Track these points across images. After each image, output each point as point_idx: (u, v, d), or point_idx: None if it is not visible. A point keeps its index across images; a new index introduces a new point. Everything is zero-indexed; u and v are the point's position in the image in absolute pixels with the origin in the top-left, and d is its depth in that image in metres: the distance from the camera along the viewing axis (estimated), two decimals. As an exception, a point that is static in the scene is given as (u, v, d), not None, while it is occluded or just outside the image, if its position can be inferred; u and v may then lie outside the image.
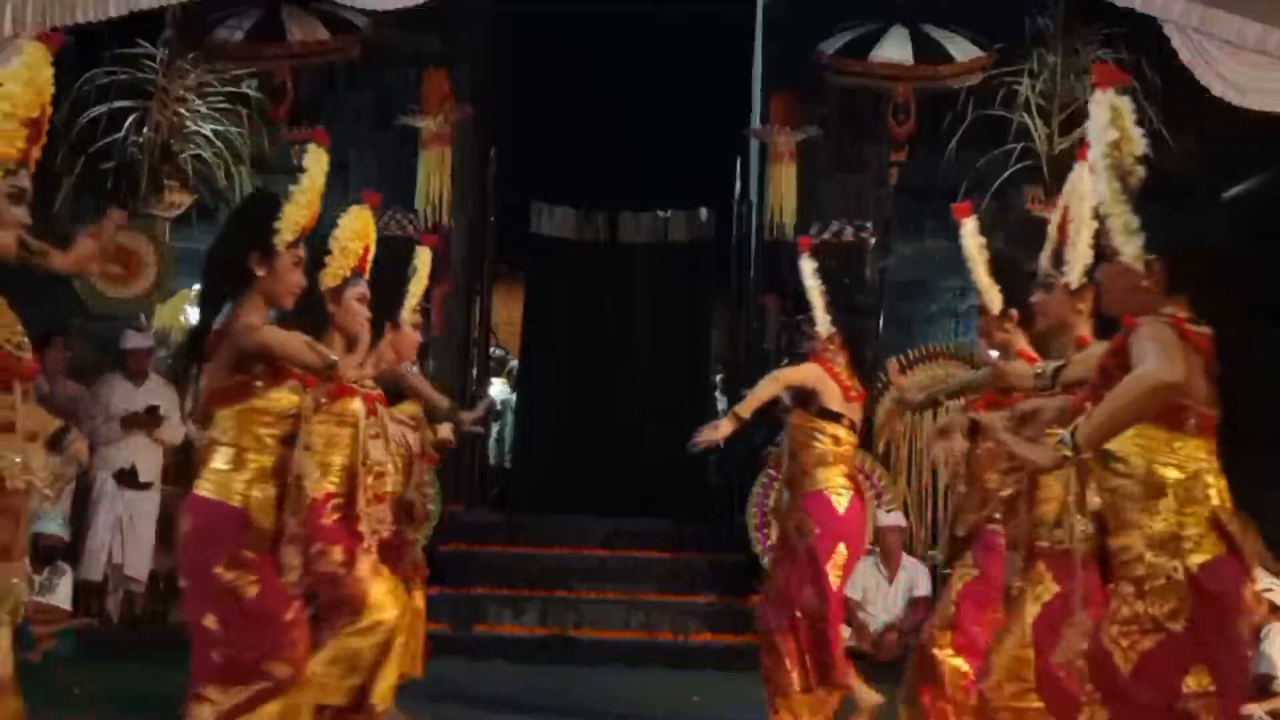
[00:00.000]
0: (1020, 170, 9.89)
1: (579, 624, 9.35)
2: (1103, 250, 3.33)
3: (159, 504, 8.94)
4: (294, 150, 10.59)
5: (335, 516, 4.85)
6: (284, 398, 3.97)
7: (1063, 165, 9.87)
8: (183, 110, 9.98)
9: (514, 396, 14.58)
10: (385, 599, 4.98)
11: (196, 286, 9.95)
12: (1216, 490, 3.17)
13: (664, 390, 12.34)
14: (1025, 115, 9.87)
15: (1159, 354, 3.03)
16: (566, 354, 12.57)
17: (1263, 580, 7.68)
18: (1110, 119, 3.26)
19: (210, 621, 3.87)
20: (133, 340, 9.24)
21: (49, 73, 3.20)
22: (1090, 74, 9.87)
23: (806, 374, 6.27)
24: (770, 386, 6.29)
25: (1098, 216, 3.31)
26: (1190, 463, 3.15)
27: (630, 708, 7.13)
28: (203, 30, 10.19)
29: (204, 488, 3.96)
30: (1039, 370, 4.21)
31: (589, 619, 9.41)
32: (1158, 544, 3.10)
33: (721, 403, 12.60)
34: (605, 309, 12.65)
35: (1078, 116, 9.89)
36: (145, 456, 8.94)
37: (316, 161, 4.20)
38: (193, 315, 8.59)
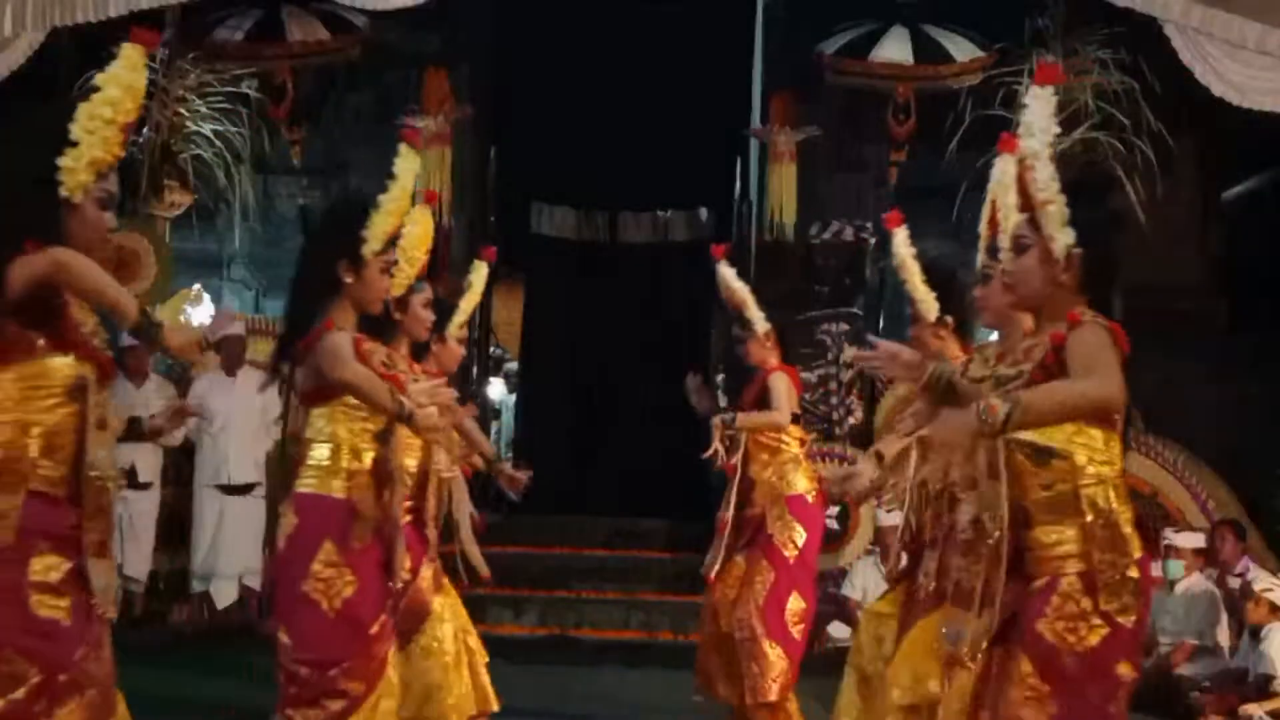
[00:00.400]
0: (1020, 170, 9.88)
1: (579, 624, 9.35)
2: (1018, 243, 3.34)
3: (158, 504, 8.94)
4: (293, 150, 10.62)
5: (406, 520, 4.76)
6: None
7: (1063, 165, 9.87)
8: (183, 110, 9.99)
9: (513, 396, 14.58)
10: (444, 611, 4.95)
11: (196, 286, 9.99)
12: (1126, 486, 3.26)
13: (663, 390, 12.33)
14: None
15: (1108, 368, 3.09)
16: (566, 354, 12.58)
17: (1263, 580, 7.70)
18: (1052, 113, 3.34)
19: (291, 633, 3.88)
20: (130, 339, 9.23)
21: (144, 75, 3.19)
22: (1091, 74, 9.91)
23: (791, 388, 6.20)
24: (786, 413, 6.16)
25: (1027, 207, 3.32)
26: (1118, 460, 3.23)
27: (631, 708, 7.12)
28: (203, 30, 10.20)
29: (306, 484, 3.97)
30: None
31: (589, 619, 9.41)
32: (1103, 541, 3.14)
33: (722, 402, 12.59)
34: (605, 309, 12.65)
35: (1078, 117, 9.91)
36: (145, 456, 8.93)
37: (407, 163, 4.21)
38: (193, 315, 8.58)
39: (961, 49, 10.42)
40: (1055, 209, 3.24)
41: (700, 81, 11.76)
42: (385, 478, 3.98)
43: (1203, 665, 7.86)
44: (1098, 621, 3.10)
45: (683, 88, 11.63)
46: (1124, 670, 3.12)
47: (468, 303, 5.64)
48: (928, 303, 4.99)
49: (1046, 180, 3.27)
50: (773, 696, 5.84)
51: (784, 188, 10.78)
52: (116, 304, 3.05)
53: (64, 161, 3.06)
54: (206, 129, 10.03)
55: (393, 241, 4.15)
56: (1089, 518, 3.15)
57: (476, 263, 5.84)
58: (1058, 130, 3.31)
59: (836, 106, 10.82)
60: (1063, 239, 3.23)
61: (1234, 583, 8.18)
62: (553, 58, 11.90)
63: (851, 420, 10.02)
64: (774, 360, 6.19)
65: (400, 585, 4.12)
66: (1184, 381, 10.75)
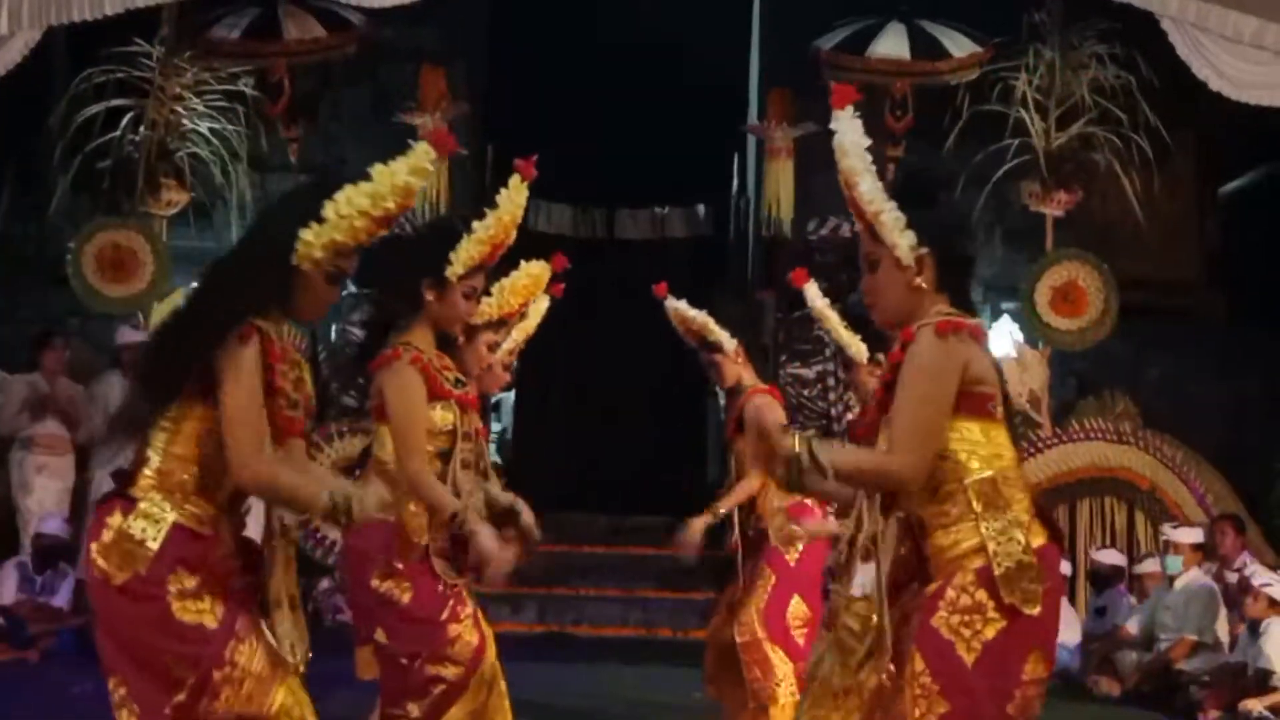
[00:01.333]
0: (1017, 165, 9.89)
1: (578, 620, 9.35)
2: (868, 260, 3.31)
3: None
4: (290, 148, 10.60)
5: None
6: (439, 415, 4.09)
7: (1060, 160, 9.89)
8: (179, 108, 9.97)
9: (512, 394, 14.56)
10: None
11: (194, 285, 9.97)
12: (1025, 474, 3.24)
13: (662, 388, 12.34)
14: (1022, 110, 9.86)
15: (911, 437, 3.09)
16: (563, 351, 12.56)
17: (1261, 576, 7.69)
18: (859, 130, 3.33)
19: (380, 635, 4.10)
20: (126, 335, 9.23)
21: (424, 179, 3.19)
22: (1088, 68, 9.90)
23: (774, 407, 6.05)
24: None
25: (864, 224, 3.31)
26: (1005, 449, 3.18)
27: (629, 705, 7.12)
28: (199, 28, 10.17)
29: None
30: None
31: (588, 616, 9.42)
32: (998, 532, 3.11)
33: (722, 398, 12.58)
34: (602, 305, 12.63)
35: (1075, 111, 9.91)
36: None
37: (513, 196, 4.28)
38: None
39: (958, 44, 10.40)
40: (888, 217, 3.21)
41: (697, 78, 11.74)
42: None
43: (1202, 660, 7.87)
44: (994, 615, 3.04)
45: (680, 84, 11.61)
46: (1030, 668, 3.06)
47: (520, 333, 5.43)
48: (855, 346, 5.15)
49: (871, 193, 3.23)
50: (779, 700, 5.80)
51: (781, 184, 10.77)
52: (296, 505, 3.16)
53: (304, 234, 3.09)
54: (203, 127, 10.01)
55: (481, 268, 4.18)
56: (979, 510, 3.12)
57: (538, 299, 5.42)
58: (869, 141, 3.31)
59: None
60: (904, 243, 3.20)
61: (1232, 578, 8.19)
62: (549, 54, 11.89)
63: (850, 416, 10.00)
64: (748, 376, 6.06)
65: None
66: (1182, 376, 10.76)
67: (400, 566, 4.07)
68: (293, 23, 10.21)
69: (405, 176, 3.11)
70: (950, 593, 3.09)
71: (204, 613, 3.04)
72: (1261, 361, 10.73)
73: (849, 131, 3.34)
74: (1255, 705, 7.03)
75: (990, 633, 3.05)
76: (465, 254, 4.10)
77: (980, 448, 3.14)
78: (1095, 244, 10.21)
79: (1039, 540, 3.12)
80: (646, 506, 10.82)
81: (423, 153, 3.15)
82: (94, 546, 3.09)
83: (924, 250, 3.20)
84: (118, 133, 9.78)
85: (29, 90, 9.88)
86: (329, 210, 3.10)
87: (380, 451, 4.18)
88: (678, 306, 6.24)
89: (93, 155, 9.80)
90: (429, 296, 4.10)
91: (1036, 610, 3.05)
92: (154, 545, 3.05)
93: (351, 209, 3.10)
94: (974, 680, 3.03)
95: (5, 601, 8.15)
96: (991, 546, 3.09)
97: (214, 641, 3.02)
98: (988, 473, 3.13)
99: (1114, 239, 10.52)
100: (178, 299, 9.79)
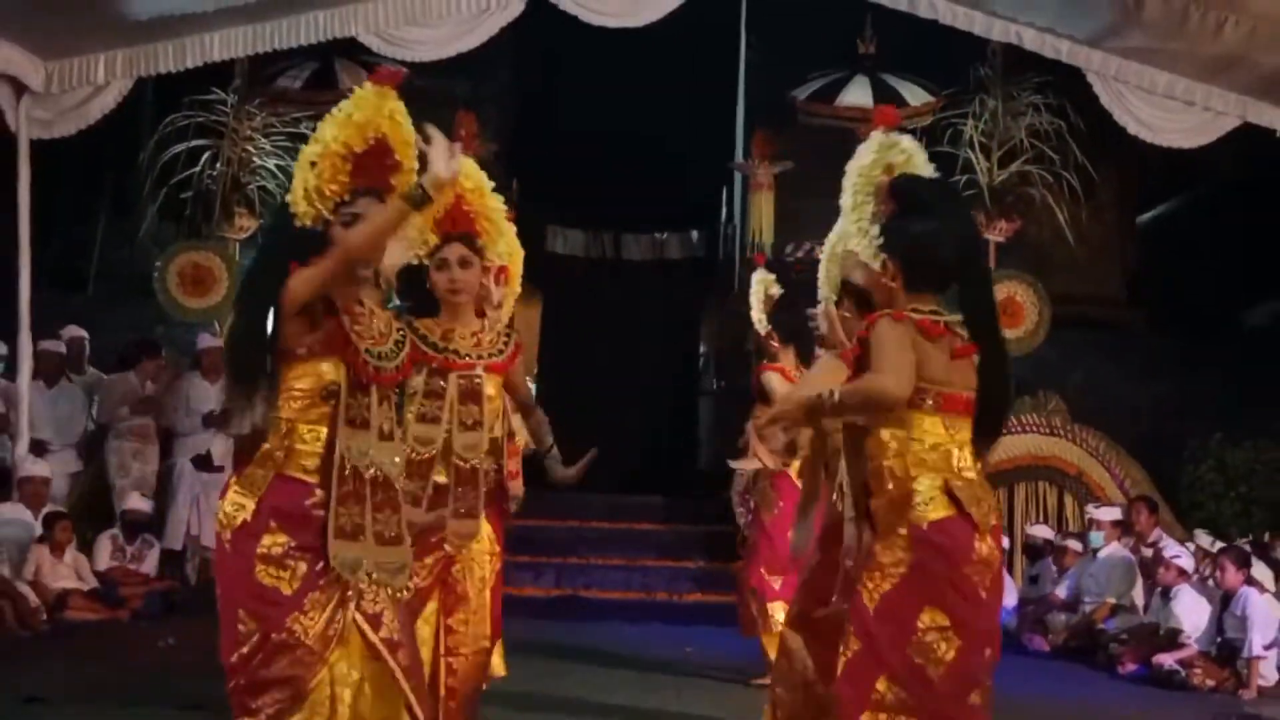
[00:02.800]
0: (965, 198, 9.87)
1: (588, 585, 9.34)
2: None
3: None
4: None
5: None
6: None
7: (1001, 193, 9.89)
8: (250, 148, 9.98)
9: (534, 390, 14.57)
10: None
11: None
12: (956, 459, 3.17)
13: (660, 387, 12.35)
14: (969, 151, 9.86)
15: (888, 362, 3.07)
16: (577, 355, 12.57)
17: (1172, 549, 7.69)
18: (879, 149, 3.36)
19: None
20: (205, 341, 9.24)
21: (368, 111, 3.09)
22: (1025, 115, 9.91)
23: (773, 380, 6.02)
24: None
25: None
26: (928, 436, 3.15)
27: (632, 658, 7.12)
28: (267, 79, 10.20)
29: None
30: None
31: (596, 581, 9.40)
32: (891, 504, 3.13)
33: (708, 401, 12.59)
34: (610, 316, 12.65)
35: (1014, 152, 9.91)
36: (218, 443, 8.93)
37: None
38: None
39: (914, 94, 10.41)
40: (852, 224, 3.33)
41: (691, 122, 11.78)
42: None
43: (1121, 621, 7.86)
44: (889, 573, 3.09)
45: (677, 127, 11.65)
46: (926, 618, 3.06)
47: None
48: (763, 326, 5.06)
49: (845, 204, 3.40)
50: (772, 629, 5.73)
51: (763, 213, 10.78)
52: (388, 225, 3.02)
53: (290, 194, 3.09)
54: (270, 164, 10.02)
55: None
56: (889, 486, 3.14)
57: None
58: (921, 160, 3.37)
59: (808, 143, 10.80)
60: (861, 246, 3.28)
61: (1147, 551, 8.18)
62: (565, 102, 11.92)
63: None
64: (788, 360, 5.97)
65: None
66: (1106, 379, 10.75)
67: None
68: (346, 74, 10.21)
69: (346, 108, 3.08)
70: (867, 557, 3.16)
71: (281, 580, 2.95)
72: (1174, 367, 10.74)
73: (859, 154, 3.40)
74: (1166, 659, 7.02)
75: (886, 586, 3.10)
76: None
77: (900, 430, 3.14)
78: (1031, 265, 10.21)
79: (939, 514, 3.10)
80: (646, 487, 10.83)
81: (363, 87, 3.11)
82: (221, 502, 3.05)
83: (885, 255, 3.21)
84: (198, 168, 9.79)
85: (123, 132, 9.91)
86: (297, 164, 3.11)
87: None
88: (754, 281, 6.13)
89: (177, 188, 9.82)
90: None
91: (903, 571, 3.07)
92: (258, 494, 2.97)
93: (311, 153, 3.09)
94: (873, 625, 3.09)
95: (100, 567, 8.16)
96: (883, 515, 3.13)
97: (282, 607, 2.93)
98: (900, 453, 3.14)
99: (1047, 261, 10.52)
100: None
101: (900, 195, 3.27)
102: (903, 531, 3.11)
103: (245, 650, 2.93)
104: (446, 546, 3.91)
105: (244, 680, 2.94)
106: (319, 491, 2.99)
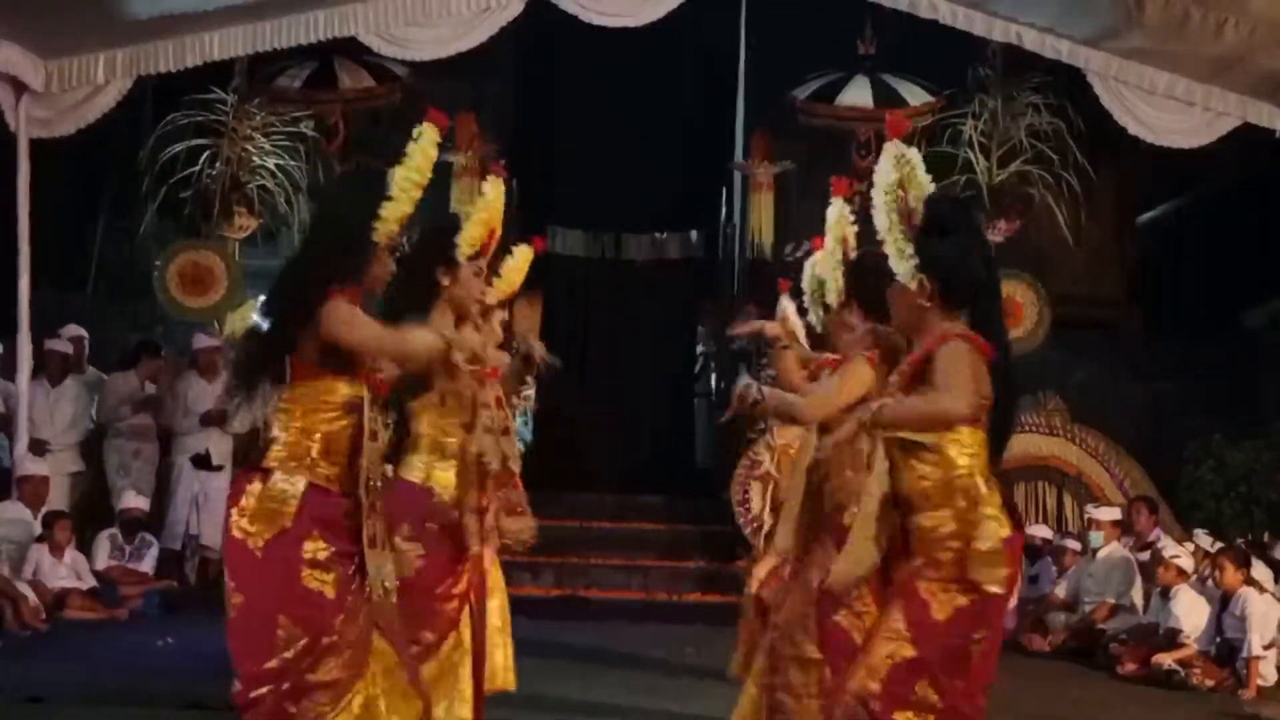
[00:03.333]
0: (964, 199, 9.87)
1: (588, 585, 9.32)
2: (889, 275, 3.35)
3: (229, 482, 8.90)
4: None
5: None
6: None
7: (1001, 194, 9.89)
8: (250, 147, 9.97)
9: (531, 391, 14.55)
10: (495, 586, 4.60)
11: (262, 297, 9.97)
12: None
13: (660, 388, 12.34)
14: (969, 151, 9.86)
15: (959, 385, 3.09)
16: (578, 354, 12.55)
17: (1171, 549, 7.69)
18: (895, 164, 3.32)
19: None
20: (203, 340, 9.22)
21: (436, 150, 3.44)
22: (1025, 115, 9.91)
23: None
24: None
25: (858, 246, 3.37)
26: (980, 451, 3.20)
27: (632, 658, 7.11)
28: (266, 78, 10.19)
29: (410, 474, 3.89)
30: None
31: (597, 581, 9.39)
32: (971, 521, 3.13)
33: (702, 406, 12.58)
34: (611, 316, 12.63)
35: (1014, 152, 9.91)
36: (217, 443, 8.93)
37: (496, 190, 4.28)
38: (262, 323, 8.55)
39: (914, 95, 10.40)
40: (891, 245, 3.28)
41: (692, 122, 11.76)
42: (467, 466, 3.90)
43: (1120, 621, 7.86)
44: (964, 589, 3.11)
45: (677, 127, 11.63)
46: (978, 636, 3.13)
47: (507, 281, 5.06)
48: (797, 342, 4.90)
49: (880, 222, 3.31)
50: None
51: (763, 214, 10.76)
52: (421, 356, 3.24)
53: (382, 211, 3.19)
54: (270, 163, 10.01)
55: (483, 252, 4.12)
56: (961, 504, 3.14)
57: (522, 246, 5.25)
58: (924, 179, 3.31)
59: (807, 144, 10.80)
60: (901, 268, 3.25)
61: (1146, 551, 8.18)
62: (565, 103, 11.91)
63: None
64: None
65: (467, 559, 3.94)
66: (1106, 379, 10.75)
67: (431, 529, 3.79)
68: (346, 74, 10.22)
69: (429, 150, 3.40)
70: (933, 570, 3.15)
71: (325, 584, 2.99)
72: (1173, 367, 10.73)
73: (881, 170, 3.36)
74: (1165, 659, 7.02)
75: (963, 600, 3.11)
76: (468, 236, 4.03)
77: (966, 448, 3.16)
78: (1031, 265, 10.20)
79: (1006, 531, 3.15)
80: (646, 488, 10.81)
81: (430, 131, 3.45)
82: (234, 512, 3.05)
83: (923, 275, 3.21)
84: (197, 167, 9.79)
85: (122, 131, 9.91)
86: (394, 189, 3.23)
87: (417, 426, 3.91)
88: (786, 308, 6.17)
89: (176, 187, 9.82)
90: (444, 281, 3.95)
91: (995, 588, 3.11)
92: (294, 503, 3.01)
93: (408, 183, 3.28)
94: (937, 638, 3.11)
95: (98, 566, 8.15)
96: (968, 533, 3.12)
97: (328, 610, 2.97)
98: (971, 470, 3.15)
99: (1047, 261, 10.51)
100: (248, 310, 9.87)
101: (929, 216, 3.28)
102: (999, 548, 3.13)
103: (290, 655, 2.95)
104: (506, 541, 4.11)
105: (288, 685, 2.95)
106: (345, 500, 3.09)
